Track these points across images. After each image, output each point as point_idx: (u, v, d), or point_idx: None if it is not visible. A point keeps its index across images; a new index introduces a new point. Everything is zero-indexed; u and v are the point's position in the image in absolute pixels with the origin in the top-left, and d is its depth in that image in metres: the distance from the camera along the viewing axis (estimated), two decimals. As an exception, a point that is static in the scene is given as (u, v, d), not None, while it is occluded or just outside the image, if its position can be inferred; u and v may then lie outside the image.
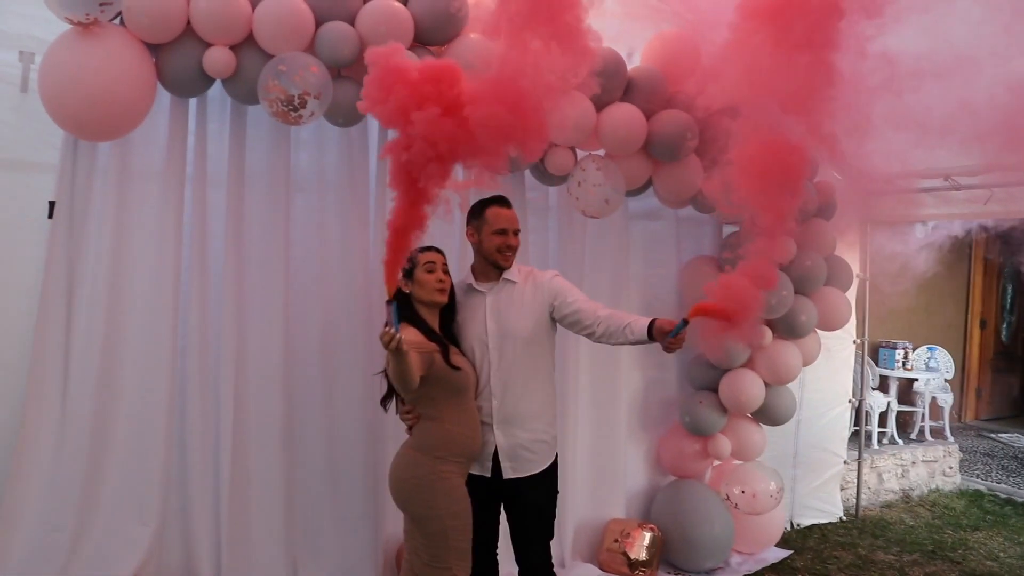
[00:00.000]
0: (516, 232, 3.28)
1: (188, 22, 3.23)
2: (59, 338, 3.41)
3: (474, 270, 3.35)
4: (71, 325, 3.45)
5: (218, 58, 3.27)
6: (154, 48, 3.28)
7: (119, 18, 3.19)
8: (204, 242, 3.66)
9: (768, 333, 4.68)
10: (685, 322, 2.92)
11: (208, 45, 3.28)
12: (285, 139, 3.78)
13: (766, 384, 4.75)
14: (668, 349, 3.00)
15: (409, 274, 3.10)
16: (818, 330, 4.92)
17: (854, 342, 5.91)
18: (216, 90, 3.53)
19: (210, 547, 3.66)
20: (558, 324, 3.32)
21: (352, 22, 3.42)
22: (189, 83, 3.37)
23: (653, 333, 3.01)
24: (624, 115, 3.97)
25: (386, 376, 3.21)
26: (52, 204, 3.39)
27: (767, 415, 4.85)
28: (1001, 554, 5.44)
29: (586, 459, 4.67)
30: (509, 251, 3.24)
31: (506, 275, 3.27)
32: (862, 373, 6.29)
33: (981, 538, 5.76)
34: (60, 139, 3.38)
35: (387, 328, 2.61)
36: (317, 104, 3.29)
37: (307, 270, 3.90)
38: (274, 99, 3.22)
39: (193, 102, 3.61)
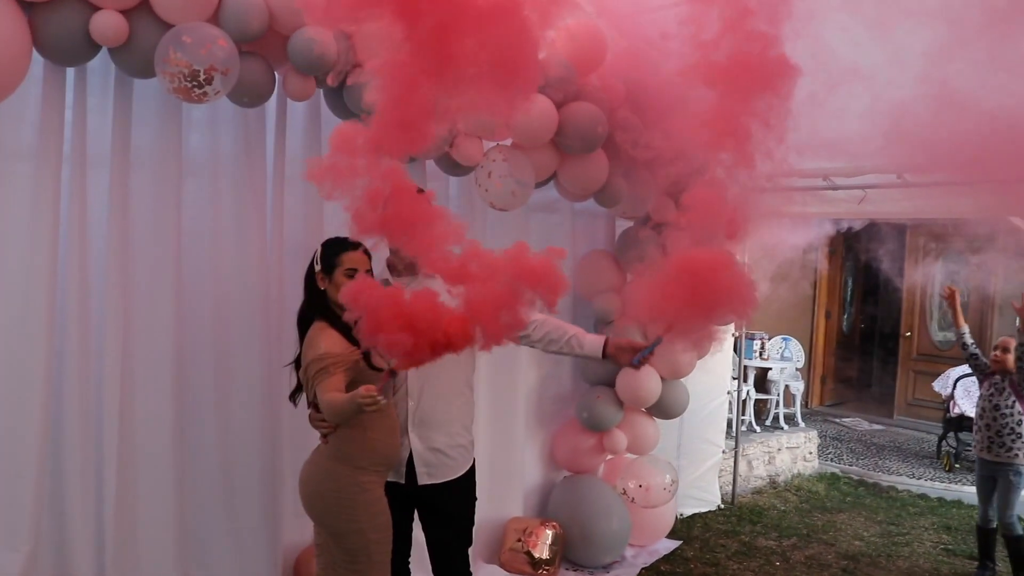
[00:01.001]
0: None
1: (73, -20, 2.86)
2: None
3: (390, 265, 3.16)
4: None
5: (109, 23, 2.89)
6: (28, 7, 2.87)
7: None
8: (84, 230, 3.26)
9: (666, 328, 4.72)
10: (659, 339, 2.86)
11: (95, 8, 2.91)
12: (176, 118, 3.42)
13: (662, 379, 4.80)
14: (634, 368, 2.99)
15: (328, 271, 2.86)
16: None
17: (733, 335, 6.10)
18: (98, 60, 3.13)
19: (92, 571, 3.28)
20: None
21: (260, -7, 3.14)
22: (72, 50, 2.96)
23: (609, 350, 3.01)
24: (536, 105, 3.87)
25: (296, 369, 2.98)
26: (-99, 184, 2.92)
27: (662, 409, 4.91)
28: (865, 533, 5.77)
29: (485, 457, 4.54)
30: None
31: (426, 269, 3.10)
32: (740, 364, 6.51)
33: (846, 519, 6.09)
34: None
35: (378, 396, 2.45)
36: (223, 81, 2.99)
37: (199, 262, 3.56)
38: (176, 73, 2.89)
39: (71, 72, 3.20)
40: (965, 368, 7.72)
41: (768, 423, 8.56)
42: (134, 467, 3.38)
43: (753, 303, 2.51)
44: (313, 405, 2.96)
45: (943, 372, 8.52)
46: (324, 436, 2.92)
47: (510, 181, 3.92)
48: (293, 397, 3.06)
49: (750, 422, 8.09)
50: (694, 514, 5.85)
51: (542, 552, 4.45)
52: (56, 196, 3.16)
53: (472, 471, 3.20)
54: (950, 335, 9.67)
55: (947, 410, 8.05)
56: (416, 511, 3.21)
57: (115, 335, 3.31)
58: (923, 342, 9.81)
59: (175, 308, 3.44)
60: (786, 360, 9.09)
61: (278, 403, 3.67)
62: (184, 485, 3.52)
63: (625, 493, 4.78)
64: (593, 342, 3.10)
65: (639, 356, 2.96)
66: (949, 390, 8.07)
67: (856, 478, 7.34)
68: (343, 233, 2.90)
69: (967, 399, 7.77)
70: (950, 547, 5.51)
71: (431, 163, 4.07)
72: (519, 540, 4.48)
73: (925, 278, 9.62)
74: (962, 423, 7.73)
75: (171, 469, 3.46)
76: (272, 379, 3.65)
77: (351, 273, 2.80)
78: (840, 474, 7.46)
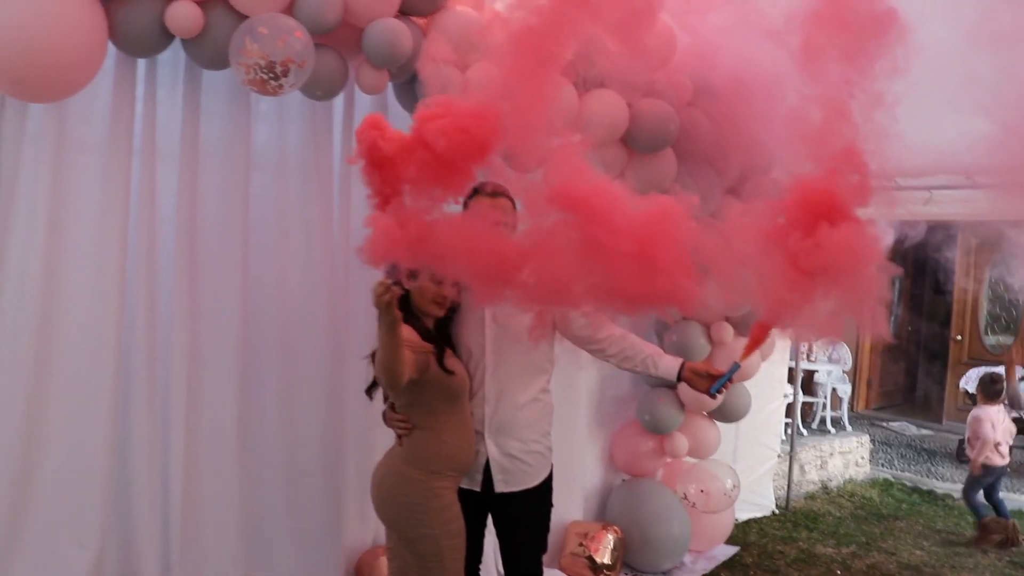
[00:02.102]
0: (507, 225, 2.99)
1: (149, -30, 2.81)
2: (-20, 335, 2.92)
3: None
4: (-6, 319, 2.95)
5: (184, 14, 2.84)
6: (105, -2, 2.83)
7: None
8: (152, 223, 3.22)
9: (729, 330, 4.61)
10: (737, 365, 2.77)
11: (171, -1, 2.86)
12: (244, 111, 3.37)
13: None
14: (711, 396, 2.92)
15: (414, 274, 2.78)
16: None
17: (790, 338, 5.96)
18: (168, 52, 3.08)
19: (157, 569, 3.24)
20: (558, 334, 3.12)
21: (334, -16, 3.07)
22: (146, 41, 2.92)
23: (684, 375, 2.93)
24: (607, 101, 3.77)
25: (373, 363, 2.91)
26: (-25, 175, 2.89)
27: (724, 412, 4.80)
28: (925, 543, 5.62)
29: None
30: None
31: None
32: (797, 368, 6.38)
33: (903, 527, 5.94)
34: (-16, 99, 2.88)
35: (385, 280, 2.27)
36: (298, 73, 2.92)
37: (265, 256, 3.51)
38: (252, 65, 2.83)
39: (142, 64, 3.16)
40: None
41: (814, 426, 8.41)
42: (199, 465, 3.34)
43: (884, 326, 2.26)
44: (390, 405, 2.89)
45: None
46: (399, 437, 2.85)
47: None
48: (370, 391, 2.98)
49: (797, 425, 7.94)
50: (749, 519, 5.73)
51: (603, 557, 4.35)
52: (126, 189, 3.14)
53: (550, 478, 3.11)
54: (1003, 339, 9.47)
55: None
56: (490, 516, 3.14)
57: (181, 331, 3.27)
58: (974, 346, 9.60)
59: (241, 304, 3.39)
60: (833, 362, 8.93)
61: (342, 401, 3.61)
62: (249, 484, 3.47)
63: (686, 498, 4.67)
64: (669, 365, 2.99)
65: (717, 385, 2.87)
66: None
67: (910, 485, 7.17)
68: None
69: None
70: (1017, 560, 5.35)
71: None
72: (580, 544, 4.39)
73: (977, 280, 9.40)
74: None
75: (236, 467, 3.41)
76: (336, 377, 3.59)
77: (437, 281, 2.74)
78: (893, 480, 7.29)
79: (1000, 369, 7.90)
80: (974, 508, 5.81)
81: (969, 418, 5.93)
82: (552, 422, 3.14)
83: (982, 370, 7.89)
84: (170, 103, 3.26)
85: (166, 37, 2.93)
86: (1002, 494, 6.05)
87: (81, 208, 3.08)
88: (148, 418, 3.21)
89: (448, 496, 2.81)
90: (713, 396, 2.96)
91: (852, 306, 2.21)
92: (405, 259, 2.18)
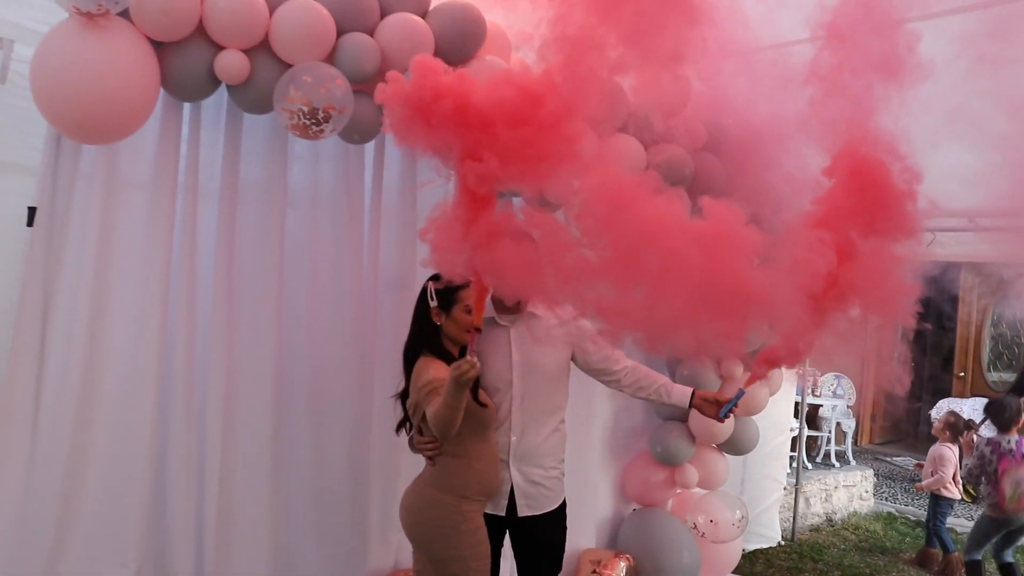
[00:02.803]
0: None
1: (200, 21, 2.99)
2: (32, 362, 3.05)
3: (495, 301, 3.23)
4: (45, 348, 3.08)
5: (232, 62, 3.02)
6: (159, 46, 3.00)
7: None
8: (194, 257, 3.37)
9: (739, 365, 4.75)
10: (742, 392, 2.97)
11: (220, 47, 3.04)
12: (282, 152, 3.54)
13: (735, 415, 4.81)
14: (720, 420, 3.18)
15: (446, 307, 2.94)
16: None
17: (797, 372, 6.11)
18: (212, 96, 3.26)
19: (192, 589, 3.37)
20: (576, 367, 3.31)
21: (371, 34, 3.26)
22: (195, 87, 3.10)
23: (695, 402, 3.21)
24: (626, 146, 3.95)
25: (402, 401, 3.06)
26: (32, 210, 3.04)
27: (734, 445, 4.92)
28: (927, 576, 5.74)
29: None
30: None
31: (530, 307, 3.19)
32: (803, 402, 6.51)
33: (908, 560, 6.04)
34: (42, 138, 3.04)
35: (471, 358, 2.51)
36: (339, 119, 3.10)
37: (298, 291, 3.66)
38: (296, 111, 3.00)
39: (187, 107, 3.34)
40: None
41: (819, 460, 8.52)
42: (233, 490, 3.46)
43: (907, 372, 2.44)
44: (418, 430, 3.04)
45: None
46: (430, 458, 2.99)
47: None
48: (399, 429, 3.14)
49: (802, 459, 8.05)
50: (756, 550, 5.84)
51: (616, 585, 4.47)
52: (170, 224, 3.29)
53: (565, 501, 3.28)
54: (1005, 376, 9.60)
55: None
56: (509, 541, 3.28)
57: (219, 359, 3.40)
58: (976, 382, 9.72)
59: (275, 334, 3.53)
60: (838, 397, 9.06)
61: (368, 429, 3.75)
62: (279, 508, 3.58)
63: (695, 527, 4.79)
64: (681, 392, 3.27)
65: (725, 409, 3.10)
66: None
67: (913, 519, 7.27)
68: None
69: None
70: (1018, 594, 5.45)
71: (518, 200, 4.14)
72: (594, 572, 4.50)
73: (980, 318, 9.54)
74: None
75: (267, 492, 3.53)
76: (364, 406, 3.73)
77: (471, 310, 2.88)
78: (896, 514, 7.40)
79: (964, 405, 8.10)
80: (942, 540, 6.07)
81: (934, 454, 6.16)
82: (565, 449, 3.31)
83: (970, 403, 8.05)
84: (212, 145, 3.42)
85: (214, 83, 3.10)
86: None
87: (128, 241, 3.24)
88: (186, 444, 3.34)
89: (476, 520, 2.96)
90: (722, 420, 3.20)
91: (875, 338, 2.34)
92: (464, 269, 2.41)
